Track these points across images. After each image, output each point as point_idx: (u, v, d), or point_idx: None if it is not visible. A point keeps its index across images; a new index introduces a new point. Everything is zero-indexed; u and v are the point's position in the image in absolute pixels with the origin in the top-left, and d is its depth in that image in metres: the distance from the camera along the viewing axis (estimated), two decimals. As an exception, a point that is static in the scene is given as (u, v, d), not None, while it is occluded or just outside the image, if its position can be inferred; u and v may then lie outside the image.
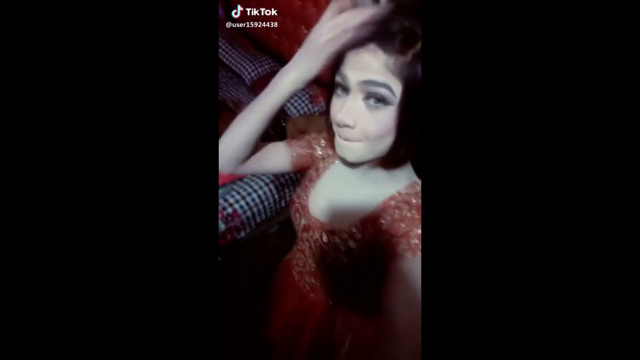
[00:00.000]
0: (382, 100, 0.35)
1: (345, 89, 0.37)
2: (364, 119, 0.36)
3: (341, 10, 0.36)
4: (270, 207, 1.34)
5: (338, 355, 0.59)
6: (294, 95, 1.59)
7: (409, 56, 0.33)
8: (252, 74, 1.81)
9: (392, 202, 0.43)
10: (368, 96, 0.35)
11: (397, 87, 0.34)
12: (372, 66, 0.34)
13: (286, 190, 1.36)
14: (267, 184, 1.32)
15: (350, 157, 0.40)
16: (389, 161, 0.41)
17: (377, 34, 0.33)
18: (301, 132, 1.44)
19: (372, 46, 0.34)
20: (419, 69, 0.33)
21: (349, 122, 0.37)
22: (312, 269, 0.57)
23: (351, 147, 0.39)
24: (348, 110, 0.36)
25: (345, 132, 0.38)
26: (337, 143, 0.41)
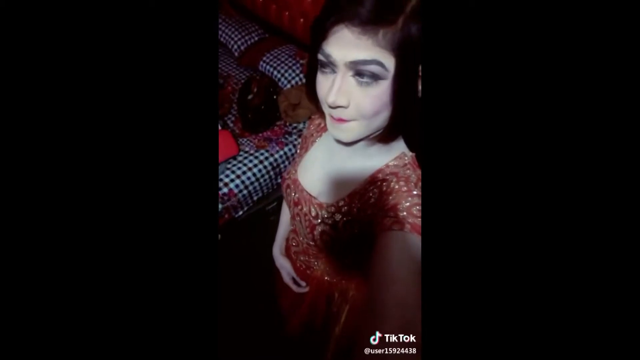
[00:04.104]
0: (373, 77, 0.32)
1: (331, 67, 0.34)
2: (357, 97, 0.34)
3: None
4: (267, 185, 1.32)
5: (336, 325, 0.61)
6: (285, 65, 1.54)
7: (399, 23, 0.30)
8: (240, 44, 1.71)
9: (380, 175, 0.42)
10: (358, 73, 0.33)
11: (390, 61, 0.31)
12: (358, 44, 0.31)
13: (282, 167, 1.33)
14: (261, 162, 1.29)
15: (346, 138, 0.38)
16: (385, 135, 0.39)
17: (364, 5, 0.30)
18: (294, 106, 1.39)
19: (356, 21, 0.30)
20: (413, 31, 0.30)
21: (342, 102, 0.34)
22: (305, 247, 0.57)
23: (346, 127, 0.36)
24: (339, 90, 0.34)
25: (339, 112, 0.35)
26: (329, 124, 0.38)
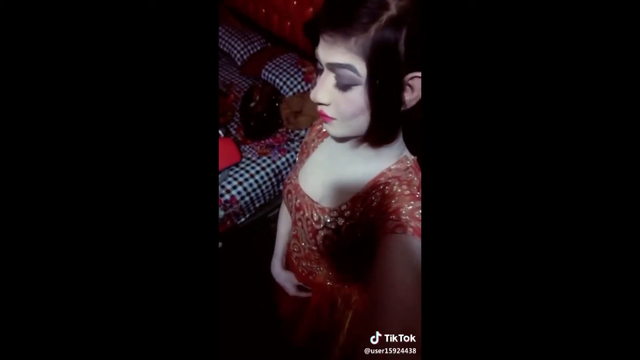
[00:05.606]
0: (349, 80, 0.34)
1: (321, 68, 0.37)
2: (337, 98, 0.36)
3: None
4: (269, 191, 1.33)
5: (340, 332, 0.61)
6: (287, 74, 1.56)
7: (371, 31, 0.31)
8: (242, 53, 1.73)
9: (382, 179, 0.43)
10: (337, 75, 0.35)
11: (362, 67, 0.33)
12: (335, 48, 0.33)
13: (284, 173, 1.34)
14: (264, 168, 1.30)
15: (332, 133, 0.40)
16: (371, 139, 0.40)
17: (339, 12, 0.32)
18: (296, 113, 1.40)
19: (332, 28, 0.33)
20: (388, 38, 0.31)
21: (323, 100, 0.36)
22: (307, 252, 0.57)
23: (331, 123, 0.39)
24: (321, 88, 0.36)
25: (323, 109, 0.38)
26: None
